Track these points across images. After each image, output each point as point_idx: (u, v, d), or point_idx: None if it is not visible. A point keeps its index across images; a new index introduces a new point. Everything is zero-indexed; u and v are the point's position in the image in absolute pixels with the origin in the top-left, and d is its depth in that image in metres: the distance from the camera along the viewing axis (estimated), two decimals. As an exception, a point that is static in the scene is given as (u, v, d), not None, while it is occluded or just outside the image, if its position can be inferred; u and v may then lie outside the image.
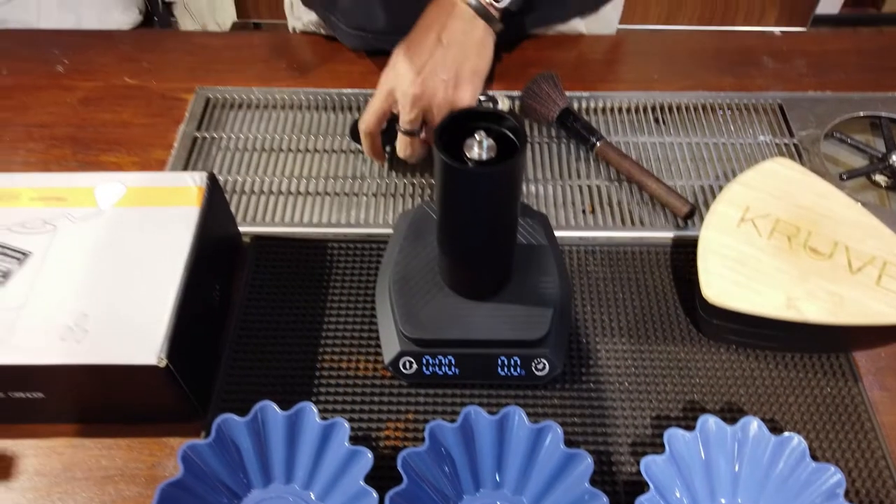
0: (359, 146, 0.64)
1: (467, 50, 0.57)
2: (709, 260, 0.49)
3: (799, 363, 0.50)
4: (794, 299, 0.46)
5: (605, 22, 0.78)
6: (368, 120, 0.58)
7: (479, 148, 0.40)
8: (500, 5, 0.59)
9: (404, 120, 0.57)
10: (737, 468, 0.44)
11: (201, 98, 0.70)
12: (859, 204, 0.52)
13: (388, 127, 0.62)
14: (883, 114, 0.69)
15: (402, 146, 0.59)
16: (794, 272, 0.48)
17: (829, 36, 0.87)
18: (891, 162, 0.64)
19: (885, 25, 2.25)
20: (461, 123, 0.41)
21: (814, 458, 0.42)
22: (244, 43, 0.78)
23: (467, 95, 0.57)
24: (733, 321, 0.48)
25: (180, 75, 0.72)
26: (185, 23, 1.47)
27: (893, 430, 0.48)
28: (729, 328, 0.49)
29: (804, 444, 0.42)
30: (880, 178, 0.65)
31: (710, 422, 0.43)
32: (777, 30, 2.13)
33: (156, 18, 1.50)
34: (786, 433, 0.43)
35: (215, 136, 0.67)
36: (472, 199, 0.41)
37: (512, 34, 0.75)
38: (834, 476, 0.41)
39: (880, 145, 0.67)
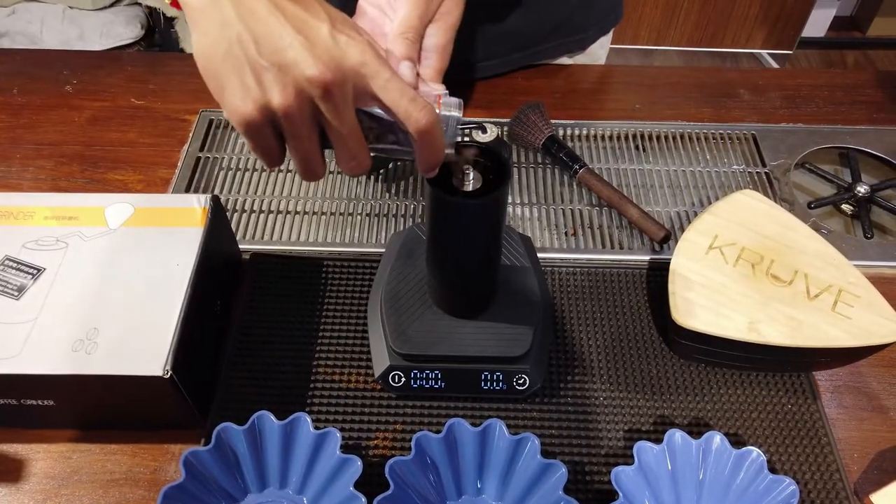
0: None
1: None
2: (678, 284, 0.52)
3: (762, 381, 0.54)
4: (756, 323, 0.50)
5: (592, 57, 0.82)
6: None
7: (466, 179, 0.43)
8: None
9: None
10: (700, 478, 0.46)
11: (204, 120, 0.73)
12: (820, 235, 0.55)
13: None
14: (850, 146, 0.72)
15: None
16: (757, 297, 0.51)
17: (802, 71, 0.91)
18: (856, 192, 0.68)
19: (870, 49, 2.29)
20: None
21: (773, 470, 0.45)
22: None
23: None
24: (700, 342, 0.51)
25: (184, 97, 0.75)
26: (187, 37, 1.50)
27: (848, 446, 0.51)
28: (697, 348, 0.52)
29: (763, 457, 0.45)
30: (846, 207, 0.68)
31: (676, 435, 0.46)
32: (764, 52, 2.17)
33: (157, 32, 1.53)
34: (746, 447, 0.46)
35: (217, 156, 0.70)
36: (460, 226, 0.44)
37: (504, 69, 0.78)
38: (789, 488, 0.44)
39: (847, 175, 0.71)
